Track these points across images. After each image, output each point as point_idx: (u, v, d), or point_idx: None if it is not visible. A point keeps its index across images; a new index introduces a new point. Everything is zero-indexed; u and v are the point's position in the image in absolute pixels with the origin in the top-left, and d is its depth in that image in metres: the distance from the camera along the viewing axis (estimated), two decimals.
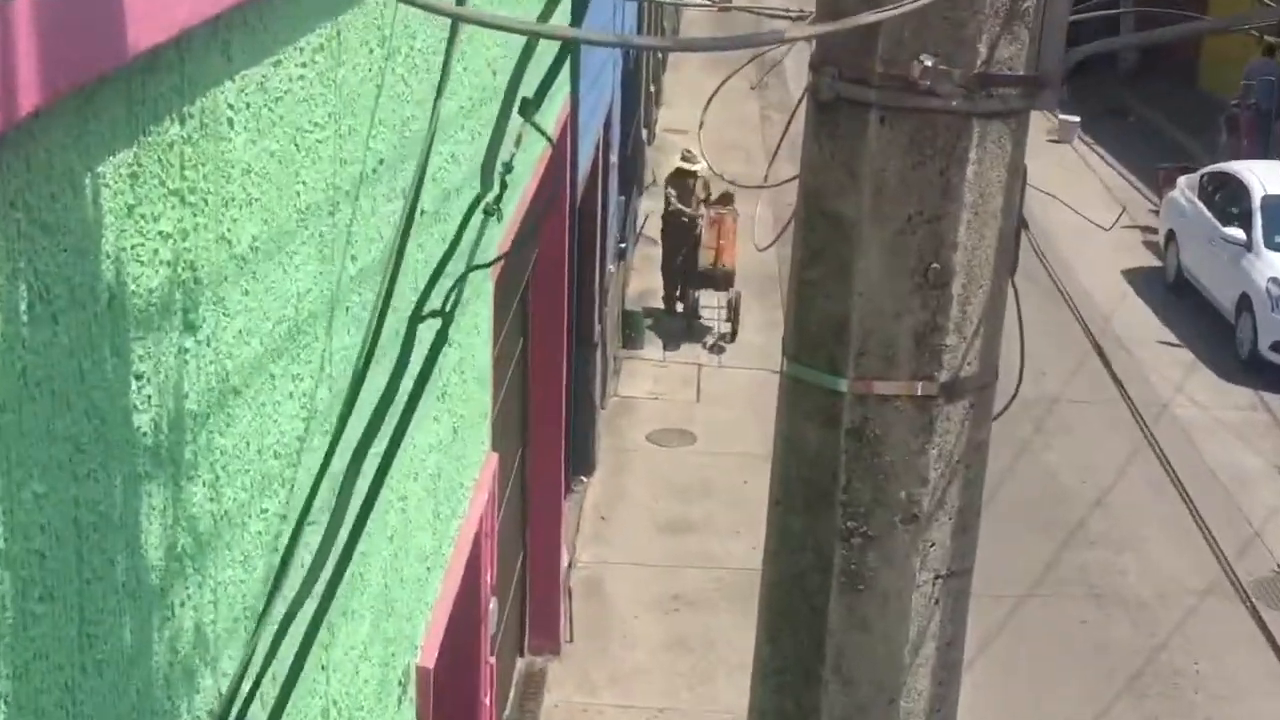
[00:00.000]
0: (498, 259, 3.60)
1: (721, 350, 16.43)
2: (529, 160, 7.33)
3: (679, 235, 16.92)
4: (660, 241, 17.28)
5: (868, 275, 3.27)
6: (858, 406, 3.33)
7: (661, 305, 17.22)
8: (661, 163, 21.01)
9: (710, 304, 17.10)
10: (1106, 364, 3.85)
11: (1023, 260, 3.47)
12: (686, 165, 16.95)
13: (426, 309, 3.05)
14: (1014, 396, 3.63)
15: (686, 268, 16.94)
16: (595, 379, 13.25)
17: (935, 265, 3.24)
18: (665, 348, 16.49)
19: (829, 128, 3.30)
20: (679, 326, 16.88)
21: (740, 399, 15.21)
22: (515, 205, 6.81)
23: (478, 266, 3.00)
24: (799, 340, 3.43)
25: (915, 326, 3.29)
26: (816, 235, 3.36)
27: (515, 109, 2.91)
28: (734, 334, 16.63)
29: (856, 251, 3.27)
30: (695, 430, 14.65)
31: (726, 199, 17.07)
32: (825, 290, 3.34)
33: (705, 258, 16.78)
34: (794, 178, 3.58)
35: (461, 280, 3.04)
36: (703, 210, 16.92)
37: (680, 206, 16.84)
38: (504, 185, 2.98)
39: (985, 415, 3.44)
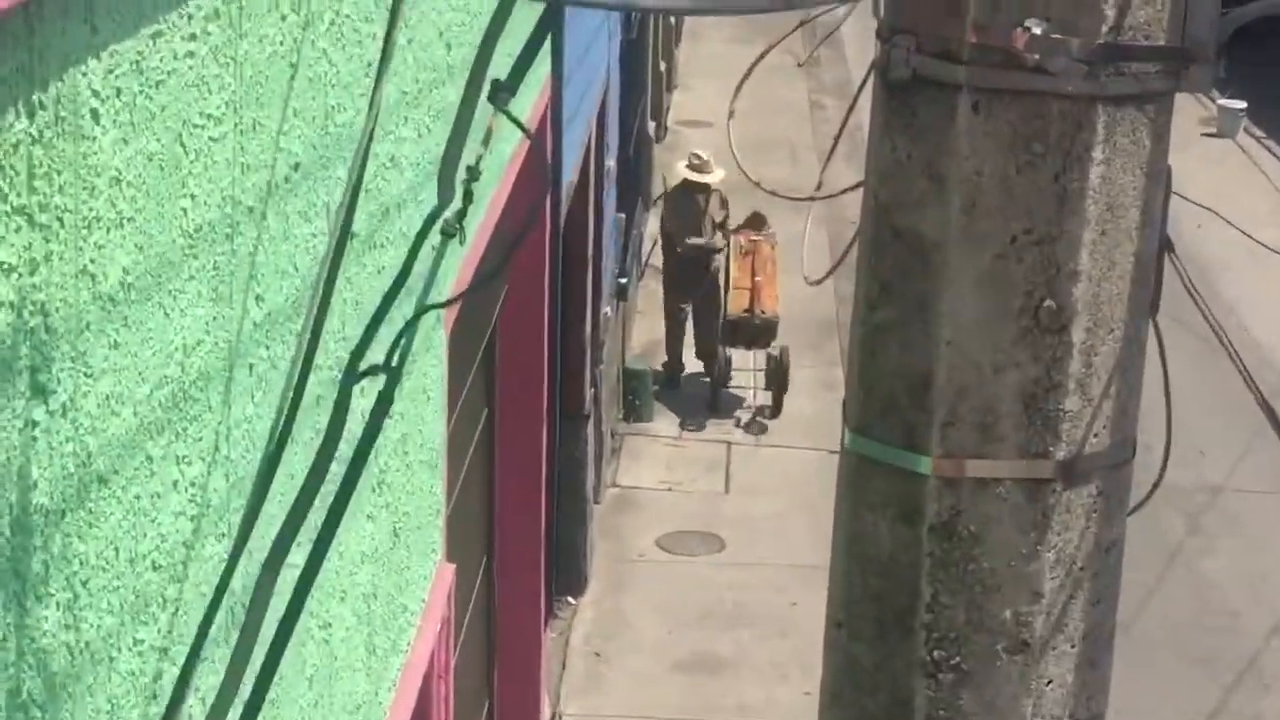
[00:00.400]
0: (455, 298, 3.62)
1: (762, 429, 16.25)
2: (495, 165, 7.38)
3: (686, 275, 16.53)
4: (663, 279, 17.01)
5: (958, 316, 3.31)
6: (946, 494, 3.37)
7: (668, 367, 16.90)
8: (675, 166, 21.03)
9: (744, 365, 16.89)
10: None
11: (1168, 296, 3.51)
12: (695, 175, 16.62)
13: (361, 366, 3.06)
14: (1158, 482, 3.68)
15: (705, 316, 16.55)
16: (587, 463, 13.27)
17: (1049, 303, 3.29)
18: (683, 421, 16.51)
19: (904, 118, 3.34)
20: (700, 393, 16.81)
21: (785, 489, 15.23)
22: (478, 225, 6.86)
23: (431, 307, 3.03)
24: (866, 405, 3.46)
25: (1023, 385, 3.32)
26: (888, 263, 3.40)
27: (483, 96, 2.94)
28: (777, 407, 16.33)
29: (943, 284, 3.32)
30: (723, 533, 14.66)
31: (758, 221, 16.77)
32: (901, 337, 3.39)
33: (736, 302, 16.34)
34: (856, 185, 3.64)
35: (409, 327, 3.05)
36: (718, 237, 16.52)
37: (697, 240, 16.28)
38: (468, 198, 3.01)
39: (1119, 506, 3.47)
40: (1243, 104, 24.36)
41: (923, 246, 3.33)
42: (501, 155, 7.46)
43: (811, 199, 4.23)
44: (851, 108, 3.85)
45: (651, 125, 20.95)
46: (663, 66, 23.25)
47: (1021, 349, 3.31)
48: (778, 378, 16.21)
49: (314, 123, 4.29)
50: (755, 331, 16.32)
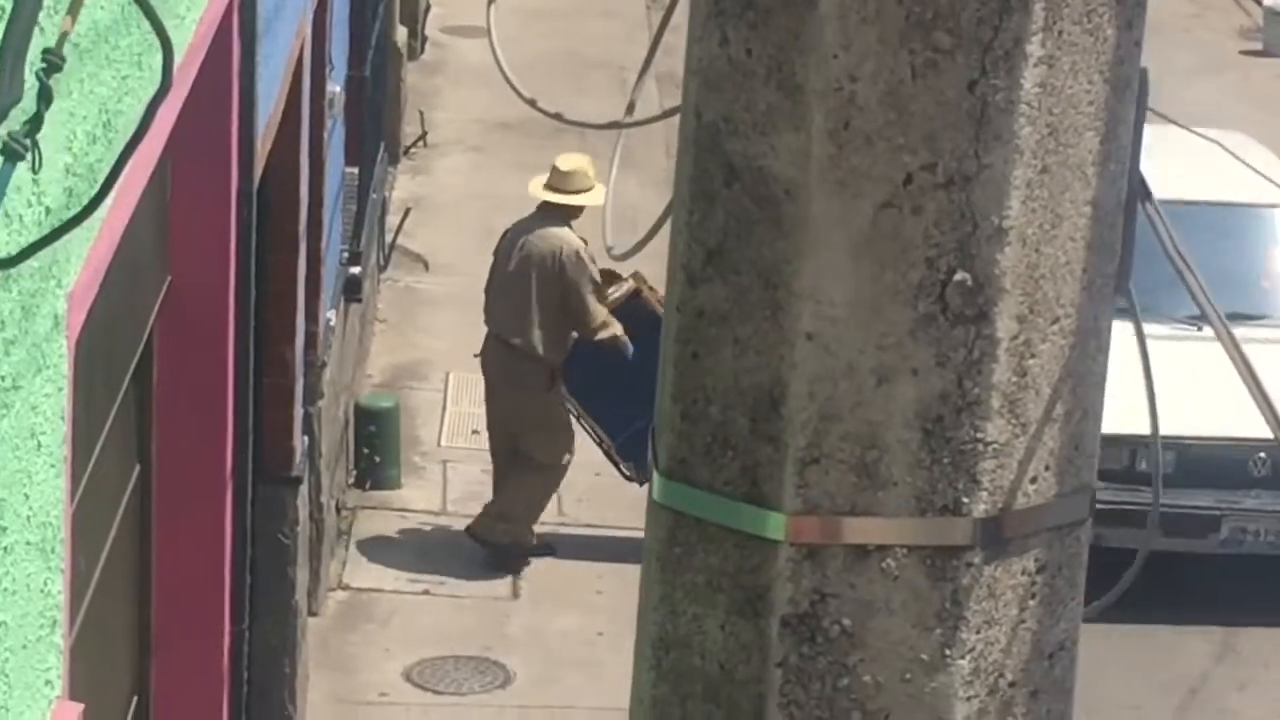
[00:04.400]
0: (27, 250, 3.52)
1: None
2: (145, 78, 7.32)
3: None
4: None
5: (825, 297, 3.33)
6: (808, 569, 3.36)
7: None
8: (439, 96, 20.95)
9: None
10: None
11: (1145, 269, 3.54)
12: (555, 196, 14.84)
13: None
14: (1137, 567, 3.72)
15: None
16: (296, 552, 13.14)
17: (962, 275, 3.33)
18: (449, 486, 16.46)
19: None
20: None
21: (604, 593, 15.18)
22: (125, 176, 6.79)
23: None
24: (684, 435, 3.48)
25: (923, 402, 3.36)
26: (719, 217, 3.43)
27: None
28: None
29: (802, 249, 3.34)
30: (510, 659, 14.65)
31: (610, 279, 15.61)
32: (736, 330, 3.40)
33: None
34: (676, 109, 3.66)
35: None
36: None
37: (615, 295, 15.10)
38: (44, 96, 2.97)
39: (1071, 589, 3.49)
40: None
41: (770, 192, 3.36)
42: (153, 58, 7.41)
43: (614, 126, 4.23)
44: None
45: (402, 33, 20.98)
46: None
47: (921, 347, 3.35)
48: None
49: None
50: None
